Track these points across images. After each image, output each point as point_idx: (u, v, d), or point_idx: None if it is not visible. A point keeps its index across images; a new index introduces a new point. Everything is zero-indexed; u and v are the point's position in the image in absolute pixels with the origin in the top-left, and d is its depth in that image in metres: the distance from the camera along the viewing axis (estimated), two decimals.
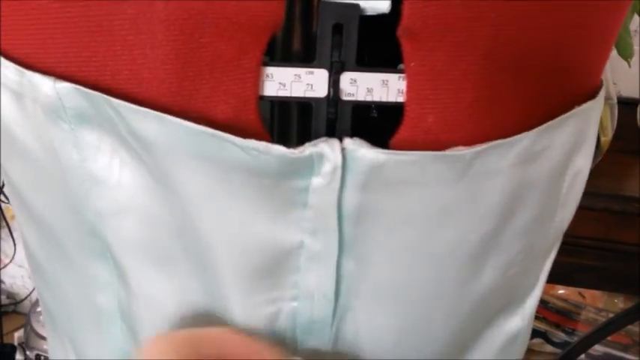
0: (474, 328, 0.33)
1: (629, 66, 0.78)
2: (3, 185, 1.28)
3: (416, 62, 0.25)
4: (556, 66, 0.28)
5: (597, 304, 1.27)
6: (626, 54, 0.78)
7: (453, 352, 0.33)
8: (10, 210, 1.42)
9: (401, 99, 0.26)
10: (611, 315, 1.21)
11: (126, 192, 0.26)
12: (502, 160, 0.27)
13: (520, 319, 0.35)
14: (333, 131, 0.27)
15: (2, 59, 0.25)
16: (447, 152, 0.26)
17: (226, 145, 0.24)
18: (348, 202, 0.26)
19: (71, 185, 0.27)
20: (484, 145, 0.26)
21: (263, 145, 0.24)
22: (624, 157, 1.03)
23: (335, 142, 0.24)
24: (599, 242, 0.91)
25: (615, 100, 0.83)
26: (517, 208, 0.29)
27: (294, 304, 0.28)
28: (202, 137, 0.24)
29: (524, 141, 0.27)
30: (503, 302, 0.33)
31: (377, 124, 0.29)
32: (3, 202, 1.37)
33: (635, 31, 1.06)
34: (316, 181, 0.25)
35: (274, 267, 0.27)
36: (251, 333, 0.28)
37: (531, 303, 0.35)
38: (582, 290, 1.27)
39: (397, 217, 0.27)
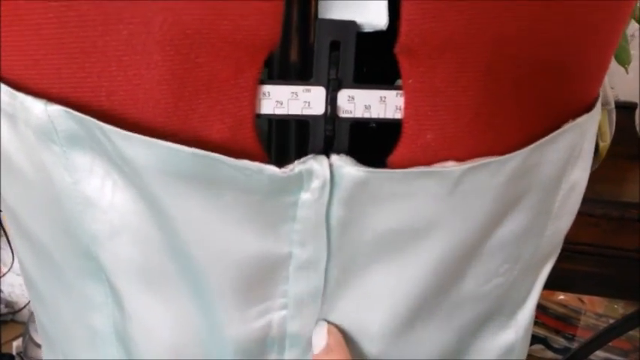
0: (460, 337, 0.33)
1: (627, 72, 0.78)
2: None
3: (414, 79, 0.25)
4: (555, 79, 0.28)
5: (597, 309, 1.26)
6: (623, 60, 0.78)
7: None
8: None
9: (399, 115, 0.26)
10: (611, 320, 1.21)
11: (119, 214, 0.26)
12: (492, 178, 0.27)
13: (513, 332, 0.34)
14: (332, 148, 0.26)
15: None
16: (435, 169, 0.26)
17: (219, 165, 0.24)
18: (335, 214, 0.26)
19: (65, 207, 0.27)
20: (474, 163, 0.26)
21: (256, 165, 0.24)
22: (623, 163, 1.03)
23: (323, 158, 0.25)
24: (598, 248, 0.91)
25: (613, 105, 0.83)
26: (502, 221, 0.29)
27: (284, 312, 0.29)
28: (195, 159, 0.24)
29: (515, 159, 0.27)
30: (488, 313, 0.33)
31: (378, 137, 0.29)
32: (1, 211, 1.37)
33: (632, 35, 1.06)
34: (305, 196, 0.25)
35: (264, 279, 0.28)
36: (246, 346, 0.29)
37: (524, 316, 0.34)
38: (582, 296, 1.27)
39: (382, 228, 0.27)
